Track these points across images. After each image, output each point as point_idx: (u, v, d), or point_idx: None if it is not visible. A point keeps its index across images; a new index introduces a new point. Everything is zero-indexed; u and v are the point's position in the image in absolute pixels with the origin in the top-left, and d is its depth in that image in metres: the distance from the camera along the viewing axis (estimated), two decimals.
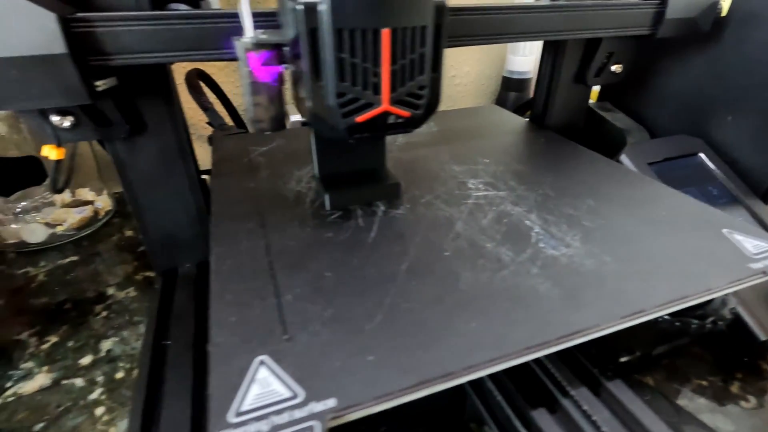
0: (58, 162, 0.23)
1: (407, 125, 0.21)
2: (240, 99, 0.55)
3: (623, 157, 0.36)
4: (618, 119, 0.45)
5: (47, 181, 0.43)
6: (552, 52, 0.37)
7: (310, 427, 0.13)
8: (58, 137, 0.23)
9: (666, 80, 0.42)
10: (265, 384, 0.14)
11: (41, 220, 0.44)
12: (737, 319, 0.29)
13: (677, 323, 0.21)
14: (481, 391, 0.21)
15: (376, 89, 0.19)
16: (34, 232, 0.44)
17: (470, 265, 0.20)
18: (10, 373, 0.31)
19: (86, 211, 0.47)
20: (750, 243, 0.21)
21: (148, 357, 0.24)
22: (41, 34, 0.19)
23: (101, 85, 0.23)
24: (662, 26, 0.32)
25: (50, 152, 0.22)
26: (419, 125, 0.21)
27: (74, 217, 0.46)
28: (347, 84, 0.19)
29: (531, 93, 0.60)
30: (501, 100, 0.69)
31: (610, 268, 0.20)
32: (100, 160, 0.49)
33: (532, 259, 0.20)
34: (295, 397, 0.14)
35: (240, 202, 0.25)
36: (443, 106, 0.68)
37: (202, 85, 0.40)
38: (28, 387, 0.30)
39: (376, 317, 0.17)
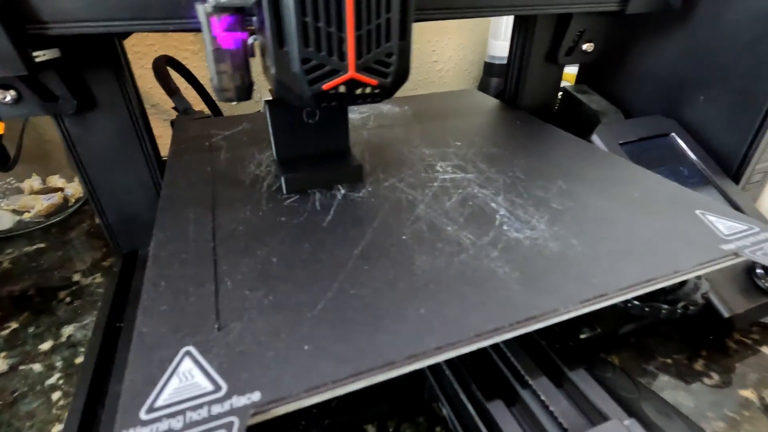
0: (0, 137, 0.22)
1: (376, 95, 0.20)
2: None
3: (594, 137, 0.36)
4: (594, 101, 0.43)
5: (10, 163, 0.42)
6: (523, 31, 0.36)
7: (230, 423, 0.12)
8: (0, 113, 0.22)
9: (640, 61, 0.41)
10: (186, 377, 0.13)
11: (7, 206, 0.43)
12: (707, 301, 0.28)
13: (647, 308, 0.20)
14: (439, 376, 0.20)
15: (342, 56, 0.18)
16: (0, 219, 0.42)
17: (428, 248, 0.19)
18: None
19: (55, 198, 0.46)
20: (723, 224, 0.20)
21: (99, 337, 0.23)
22: None
23: (41, 55, 0.21)
24: (631, 2, 0.31)
25: None
26: (389, 95, 0.20)
27: (42, 204, 0.44)
28: (311, 50, 0.17)
29: None
30: (483, 86, 0.68)
31: (576, 250, 0.19)
32: None
33: (493, 243, 0.19)
34: (217, 390, 0.13)
35: (192, 185, 0.24)
36: (425, 90, 0.66)
37: (171, 70, 0.39)
38: None
39: (319, 304, 0.16)
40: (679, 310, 0.20)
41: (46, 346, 0.31)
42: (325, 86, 0.18)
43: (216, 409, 0.12)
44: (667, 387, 0.28)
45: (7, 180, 0.43)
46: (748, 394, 0.27)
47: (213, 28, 0.18)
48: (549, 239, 0.19)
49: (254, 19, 0.19)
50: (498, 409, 0.16)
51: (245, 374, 0.13)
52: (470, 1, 0.27)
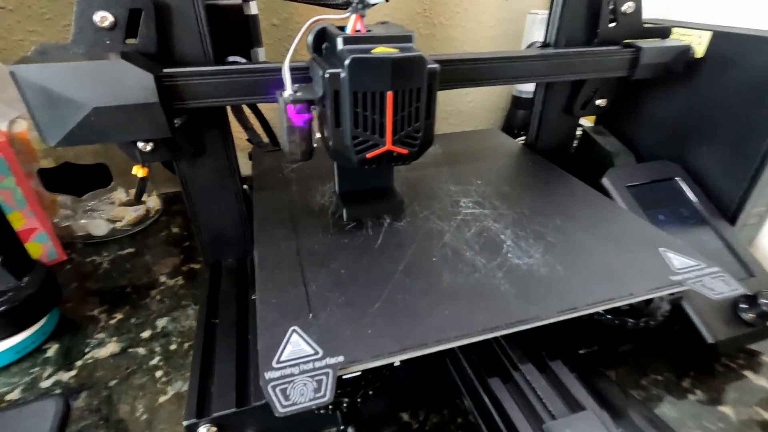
0: (142, 178, 0.30)
1: (405, 159, 0.27)
2: (275, 121, 0.63)
3: (604, 180, 0.41)
4: (608, 143, 0.50)
5: (112, 184, 0.51)
6: (543, 88, 0.42)
7: (326, 373, 0.19)
8: (142, 159, 0.30)
9: (651, 109, 0.47)
10: (296, 345, 0.21)
11: (104, 216, 0.52)
12: (687, 322, 0.34)
13: (616, 321, 0.27)
14: (458, 367, 0.27)
15: (382, 134, 0.25)
16: (99, 227, 0.52)
17: (451, 268, 0.26)
18: (87, 341, 0.39)
19: (140, 210, 0.55)
20: (678, 260, 0.27)
21: (202, 331, 0.31)
22: (142, 89, 0.26)
23: (178, 121, 0.30)
24: (637, 70, 0.38)
25: (138, 171, 0.30)
26: (415, 159, 0.27)
27: (131, 214, 0.54)
28: (360, 130, 0.25)
29: None
30: (510, 117, 0.74)
31: (560, 275, 0.26)
32: (152, 166, 0.57)
33: (499, 266, 0.26)
34: (316, 354, 0.20)
35: (277, 211, 0.32)
36: (457, 121, 0.75)
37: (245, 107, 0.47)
38: (102, 353, 0.38)
39: (376, 304, 0.23)
40: (641, 324, 0.27)
41: (146, 334, 0.40)
42: (368, 155, 0.26)
43: (317, 364, 0.20)
44: (655, 399, 0.33)
45: (106, 194, 0.52)
46: (725, 409, 0.32)
47: (289, 112, 0.26)
48: (541, 266, 0.26)
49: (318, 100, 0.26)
50: (496, 384, 0.23)
51: (334, 345, 0.20)
52: (492, 74, 0.34)
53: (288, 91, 0.26)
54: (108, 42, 0.27)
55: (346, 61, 0.23)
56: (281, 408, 0.18)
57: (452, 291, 0.24)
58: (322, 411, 0.22)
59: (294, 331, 0.21)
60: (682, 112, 0.44)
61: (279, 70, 0.29)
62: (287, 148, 0.27)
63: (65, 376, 0.36)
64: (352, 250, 0.28)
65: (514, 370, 0.24)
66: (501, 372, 0.24)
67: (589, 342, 0.32)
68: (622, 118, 0.51)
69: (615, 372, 0.35)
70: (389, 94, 0.24)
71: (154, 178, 0.58)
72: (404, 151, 0.26)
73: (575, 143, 0.52)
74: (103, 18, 0.26)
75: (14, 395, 0.34)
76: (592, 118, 0.56)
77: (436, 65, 0.25)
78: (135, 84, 0.26)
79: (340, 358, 0.20)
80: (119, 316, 0.41)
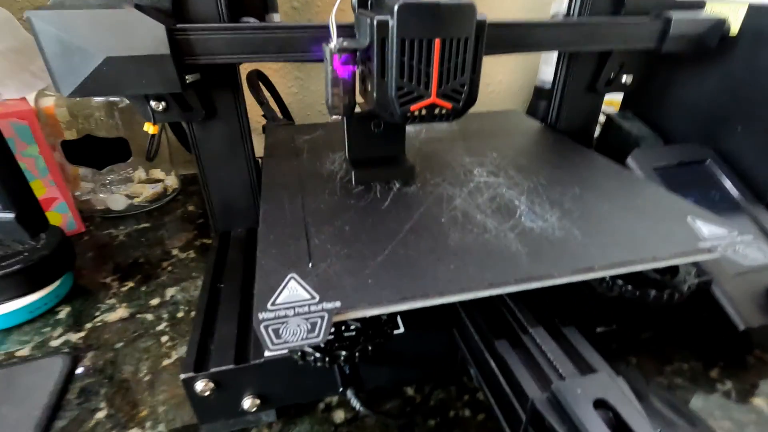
0: (152, 136, 0.30)
1: (449, 116, 0.26)
2: (289, 97, 0.63)
3: (629, 160, 0.39)
4: (635, 127, 0.47)
5: (131, 159, 0.52)
6: (566, 62, 0.41)
7: (322, 316, 0.18)
8: (154, 117, 0.30)
9: (681, 92, 0.45)
10: (293, 290, 0.20)
11: (123, 192, 0.53)
12: (716, 308, 0.31)
13: (637, 292, 0.25)
14: (465, 335, 0.26)
15: (428, 85, 0.25)
16: (117, 201, 0.53)
17: (460, 229, 0.25)
18: (98, 305, 0.39)
19: (158, 187, 0.56)
20: (708, 228, 0.25)
21: (206, 293, 0.31)
22: (153, 41, 0.26)
23: (189, 78, 0.30)
24: (666, 42, 0.36)
25: (149, 128, 0.30)
26: (460, 116, 0.27)
27: (148, 191, 0.55)
28: (405, 80, 0.24)
29: None
30: (533, 109, 0.73)
31: (576, 239, 0.24)
32: (172, 147, 0.58)
33: (512, 228, 0.25)
34: (313, 298, 0.19)
35: (285, 175, 0.31)
36: (476, 111, 0.74)
37: (260, 83, 0.48)
38: (112, 317, 0.38)
39: (379, 257, 0.22)
40: (665, 296, 0.25)
41: (155, 301, 0.40)
42: (412, 107, 0.25)
43: (313, 308, 0.19)
44: (679, 387, 0.31)
45: (125, 170, 0.53)
46: (758, 402, 0.30)
47: (334, 62, 0.25)
48: (556, 229, 0.25)
49: (362, 53, 0.25)
50: (503, 346, 0.22)
51: (331, 291, 0.20)
52: (518, 40, 0.33)
53: (334, 41, 0.25)
54: None
55: (395, 6, 0.22)
56: (271, 345, 0.17)
57: (460, 249, 0.23)
58: (318, 364, 0.21)
59: (292, 277, 0.20)
60: (715, 92, 0.42)
61: (290, 28, 0.29)
62: (330, 101, 0.26)
63: (74, 336, 0.36)
64: (358, 210, 0.27)
65: (523, 333, 0.23)
66: (509, 335, 0.23)
67: (607, 321, 0.30)
68: (649, 102, 0.49)
69: (636, 359, 0.33)
70: (437, 42, 0.23)
71: (173, 159, 0.59)
72: (448, 105, 0.25)
73: (599, 129, 0.50)
74: None
75: (24, 352, 0.34)
76: (617, 104, 0.54)
77: (484, 16, 0.24)
78: (147, 35, 0.26)
79: (337, 304, 0.19)
80: (130, 284, 0.42)
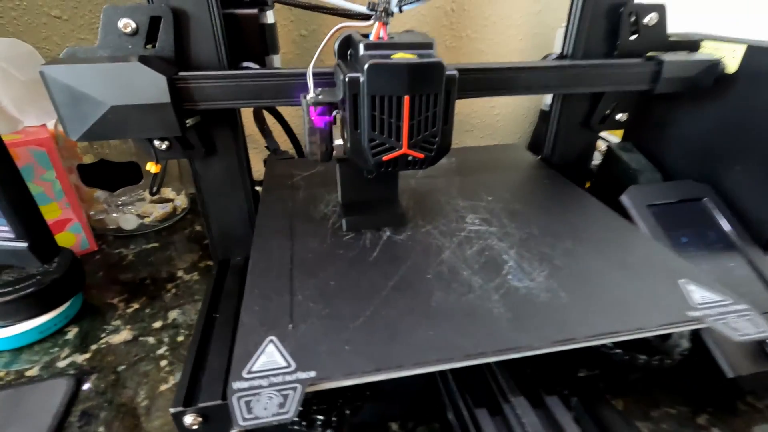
0: (155, 174, 0.31)
1: (421, 164, 0.27)
2: (300, 128, 0.64)
3: (623, 198, 0.38)
4: (634, 159, 0.46)
5: (143, 181, 0.54)
6: (560, 101, 0.40)
7: (295, 387, 0.19)
8: (157, 156, 0.31)
9: (680, 126, 0.44)
10: (270, 356, 0.20)
11: (134, 211, 0.55)
12: (705, 353, 0.30)
13: (626, 356, 0.24)
14: (447, 386, 0.26)
15: (399, 137, 0.25)
16: (129, 221, 0.54)
17: (444, 286, 0.25)
18: (104, 327, 0.41)
19: (167, 207, 0.57)
20: (700, 294, 0.24)
21: (201, 324, 0.31)
22: (155, 90, 0.27)
23: (189, 122, 0.31)
24: (659, 84, 0.35)
25: (151, 167, 0.31)
26: (432, 164, 0.27)
27: (158, 211, 0.56)
28: (377, 133, 0.25)
29: None
30: (538, 132, 0.72)
31: (562, 302, 0.24)
32: (182, 168, 0.60)
33: (497, 288, 0.25)
34: (289, 366, 0.20)
35: (278, 218, 0.32)
36: (482, 134, 0.73)
37: (266, 113, 0.48)
38: (116, 339, 0.39)
39: (359, 319, 0.22)
40: (654, 362, 0.24)
41: (157, 324, 0.41)
42: (385, 158, 0.26)
43: (288, 378, 0.19)
44: None
45: (137, 190, 0.55)
46: None
47: (311, 113, 0.26)
48: (542, 290, 0.25)
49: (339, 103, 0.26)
50: (483, 416, 0.22)
51: (307, 359, 0.20)
52: (507, 83, 0.33)
53: (311, 93, 0.26)
54: (130, 46, 0.28)
55: (365, 66, 0.23)
56: (242, 421, 0.17)
57: (441, 311, 0.23)
58: (296, 428, 0.22)
59: (271, 341, 0.21)
60: (714, 129, 0.41)
61: (285, 75, 0.29)
62: (308, 149, 0.28)
63: (80, 358, 0.37)
64: (345, 262, 0.27)
65: (504, 401, 0.23)
66: (490, 403, 0.23)
67: (591, 365, 0.30)
68: (649, 135, 0.47)
69: (622, 401, 0.33)
70: (406, 99, 0.24)
71: (183, 178, 0.60)
72: (420, 155, 0.26)
73: (600, 159, 0.49)
74: (126, 24, 0.28)
75: (33, 372, 0.36)
76: (620, 134, 0.53)
77: (454, 71, 0.25)
78: (149, 85, 0.27)
79: (312, 374, 0.19)
80: (136, 305, 0.43)
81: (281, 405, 0.18)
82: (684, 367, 0.32)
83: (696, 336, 0.30)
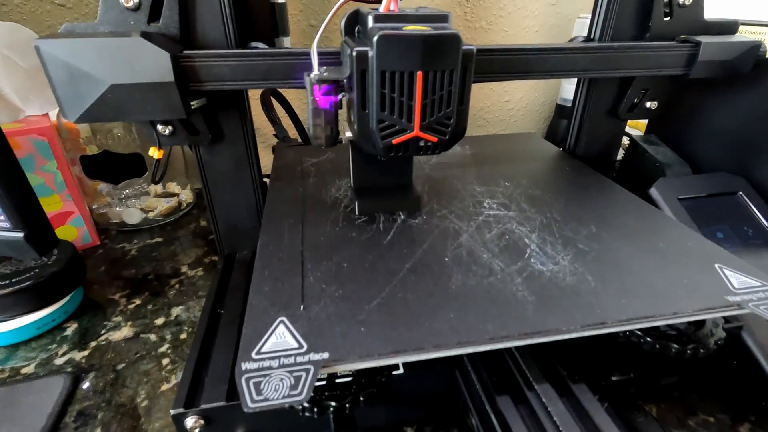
0: (158, 160, 0.30)
1: (435, 148, 0.25)
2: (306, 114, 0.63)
3: (653, 190, 0.37)
4: (660, 153, 0.45)
5: (147, 174, 0.53)
6: (586, 86, 0.39)
7: (308, 369, 0.17)
8: (160, 141, 0.30)
9: (711, 116, 0.42)
10: (280, 337, 0.19)
11: (138, 205, 0.54)
12: (747, 356, 0.29)
13: (657, 345, 0.23)
14: (467, 381, 0.24)
15: (410, 118, 0.24)
16: (132, 215, 0.53)
17: (464, 270, 0.23)
18: (105, 323, 0.39)
19: (172, 202, 0.56)
20: (737, 278, 0.23)
21: (205, 320, 0.30)
22: (158, 68, 0.26)
23: (195, 104, 0.29)
24: (695, 68, 0.33)
25: (154, 152, 0.30)
26: (446, 149, 0.25)
27: (163, 205, 0.55)
28: (386, 113, 0.23)
29: None
30: (554, 127, 0.70)
31: (589, 286, 0.22)
32: (188, 161, 0.59)
33: (519, 271, 0.23)
34: (301, 348, 0.18)
35: (288, 202, 0.30)
36: (497, 129, 0.71)
37: (274, 101, 0.47)
38: (116, 336, 0.38)
39: (374, 301, 0.21)
40: (688, 351, 0.22)
41: (159, 321, 0.40)
42: (395, 141, 0.24)
43: (299, 359, 0.18)
44: None
45: (141, 184, 0.54)
46: None
47: (314, 92, 0.25)
48: (568, 274, 0.23)
49: (344, 82, 0.25)
50: (505, 402, 0.20)
51: (320, 340, 0.18)
52: (532, 66, 0.32)
53: (315, 71, 0.25)
54: (132, 23, 0.27)
55: (375, 38, 0.21)
56: (251, 403, 0.16)
57: (461, 293, 0.22)
58: (307, 414, 0.20)
59: (281, 322, 0.20)
60: (751, 119, 0.39)
61: (296, 54, 0.28)
62: (311, 132, 0.26)
63: (78, 355, 0.36)
64: (358, 245, 0.26)
65: (528, 389, 0.21)
66: (513, 389, 0.21)
67: (623, 368, 0.28)
68: (677, 127, 0.46)
69: (656, 407, 0.31)
70: (419, 75, 0.22)
71: (188, 172, 0.59)
72: (433, 138, 0.24)
73: (622, 153, 0.47)
74: None
75: (29, 369, 0.35)
76: (643, 126, 0.51)
77: (472, 46, 0.23)
78: (152, 63, 0.26)
79: (325, 355, 0.18)
80: (138, 301, 0.42)
81: (293, 387, 0.16)
82: (723, 370, 0.31)
83: (736, 337, 0.29)
